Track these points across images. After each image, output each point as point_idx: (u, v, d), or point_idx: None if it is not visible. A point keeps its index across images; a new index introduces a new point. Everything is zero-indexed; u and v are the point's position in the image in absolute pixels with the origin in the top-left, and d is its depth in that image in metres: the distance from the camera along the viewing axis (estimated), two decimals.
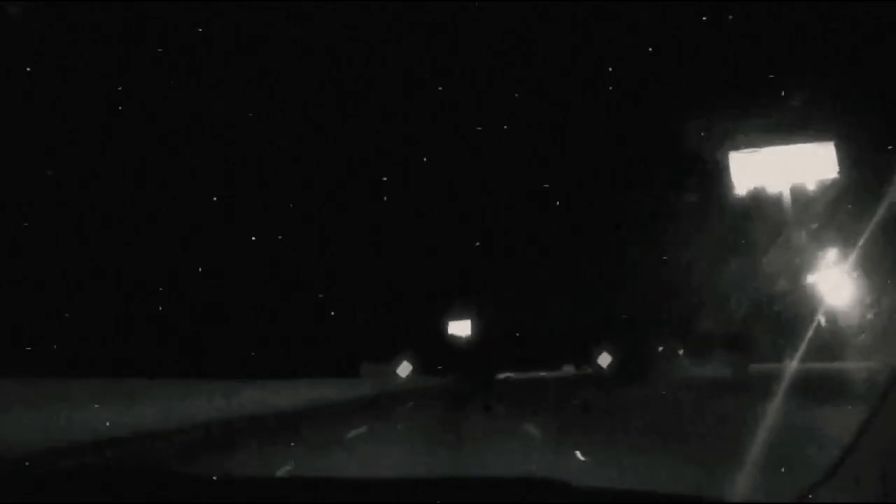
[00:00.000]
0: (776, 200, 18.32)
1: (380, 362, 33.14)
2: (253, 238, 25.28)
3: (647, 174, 25.35)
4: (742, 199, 18.54)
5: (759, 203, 18.40)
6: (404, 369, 30.12)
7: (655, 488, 2.63)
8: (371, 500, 2.31)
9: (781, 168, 18.17)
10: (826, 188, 18.01)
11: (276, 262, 26.63)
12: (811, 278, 17.57)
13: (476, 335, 49.69)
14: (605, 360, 30.23)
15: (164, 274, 19.51)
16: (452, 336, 50.01)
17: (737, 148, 18.40)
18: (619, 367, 29.95)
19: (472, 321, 49.86)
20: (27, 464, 6.84)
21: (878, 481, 1.72)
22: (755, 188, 18.48)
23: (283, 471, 6.56)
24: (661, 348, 36.00)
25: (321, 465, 7.27)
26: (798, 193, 18.20)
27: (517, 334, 56.61)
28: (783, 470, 4.04)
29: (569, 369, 67.30)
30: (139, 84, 17.71)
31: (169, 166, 20.25)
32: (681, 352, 35.87)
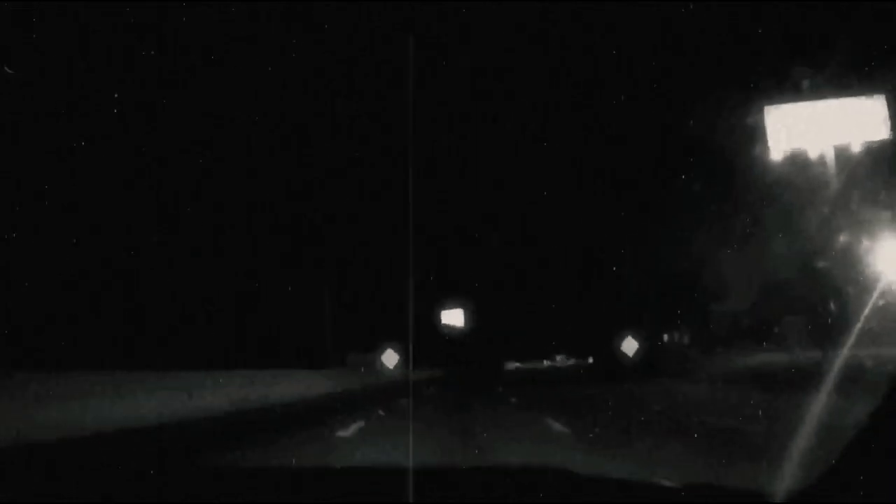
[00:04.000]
0: (817, 163, 15.92)
1: (367, 352, 30.91)
2: (230, 221, 22.98)
3: (661, 136, 22.81)
4: (778, 163, 16.12)
5: (798, 167, 15.99)
6: (390, 358, 27.17)
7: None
8: (379, 490, 2.19)
9: (824, 126, 15.74)
10: (876, 150, 15.63)
11: (255, 245, 24.27)
12: (858, 252, 15.38)
13: (471, 325, 47.63)
14: (629, 346, 26.75)
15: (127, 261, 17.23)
16: (446, 326, 47.94)
17: (773, 102, 15.97)
18: (646, 356, 27.04)
19: (465, 311, 47.84)
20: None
21: (883, 477, 1.51)
22: (793, 150, 16.04)
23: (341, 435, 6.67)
24: (665, 336, 33.80)
25: None
26: (843, 155, 15.80)
27: (512, 324, 54.87)
28: None
29: (561, 359, 65.50)
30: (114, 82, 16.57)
31: (153, 159, 18.51)
32: (686, 341, 33.71)
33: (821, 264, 16.50)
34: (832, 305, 16.41)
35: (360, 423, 9.87)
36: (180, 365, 12.17)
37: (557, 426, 8.68)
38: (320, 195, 29.04)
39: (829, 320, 15.24)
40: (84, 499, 2.35)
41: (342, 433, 8.72)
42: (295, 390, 16.44)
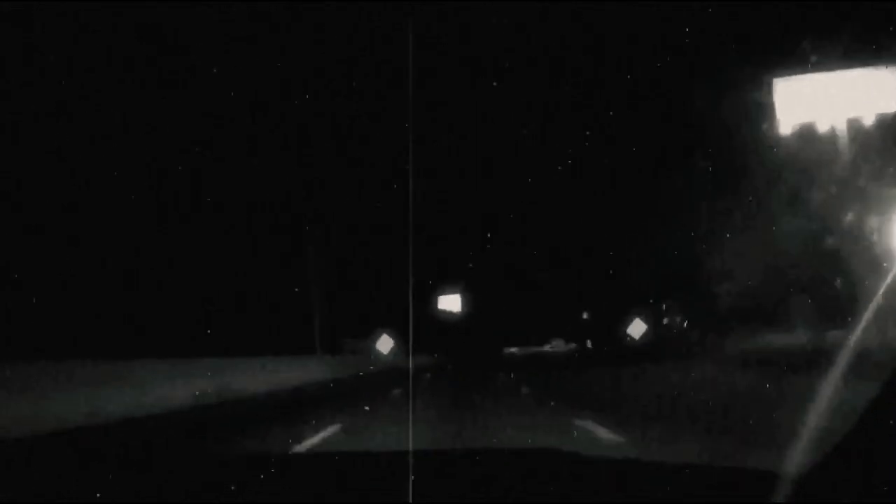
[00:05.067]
0: (829, 139, 15.25)
1: (362, 339, 30.43)
2: (215, 202, 22.28)
3: (664, 113, 22.03)
4: (787, 138, 15.45)
5: (808, 142, 15.32)
6: (385, 344, 26.51)
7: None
8: (386, 474, 2.17)
9: (836, 98, 15.04)
10: (890, 123, 14.96)
11: (244, 232, 23.56)
12: (870, 230, 14.79)
13: (468, 310, 47.17)
14: (637, 329, 25.76)
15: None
16: (443, 311, 47.48)
17: (781, 74, 15.25)
18: (653, 339, 26.33)
19: (462, 296, 47.37)
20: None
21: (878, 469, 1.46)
22: (803, 124, 15.35)
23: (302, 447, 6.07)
24: (665, 319, 33.25)
25: None
26: (856, 130, 15.12)
27: (510, 309, 54.50)
28: None
29: (558, 343, 64.97)
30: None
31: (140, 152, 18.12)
32: (686, 324, 33.17)
33: (830, 242, 15.93)
34: (842, 285, 15.87)
35: (335, 428, 7.60)
36: (150, 353, 11.39)
37: (597, 427, 6.63)
38: (313, 179, 28.34)
39: (839, 301, 14.70)
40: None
41: (302, 445, 6.45)
42: (272, 380, 14.73)
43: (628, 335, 25.36)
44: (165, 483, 2.37)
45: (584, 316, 56.58)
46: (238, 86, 21.79)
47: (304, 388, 15.49)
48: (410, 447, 5.09)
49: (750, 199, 18.02)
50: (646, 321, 26.13)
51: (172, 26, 17.68)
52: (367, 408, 10.30)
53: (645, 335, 25.40)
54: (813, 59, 15.19)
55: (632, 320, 25.58)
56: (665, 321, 33.44)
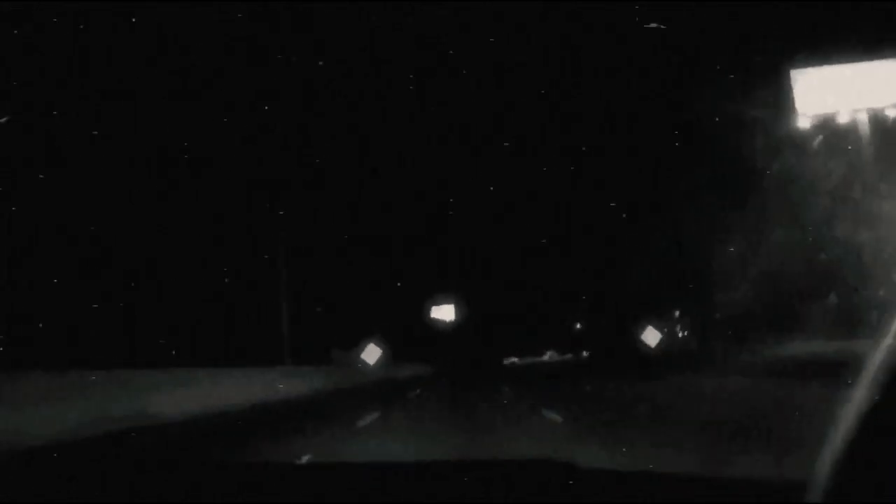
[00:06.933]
0: (850, 132, 14.33)
1: (351, 349, 29.25)
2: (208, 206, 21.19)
3: (673, 101, 20.90)
4: (806, 132, 14.51)
5: (828, 134, 14.39)
6: (372, 354, 25.05)
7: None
8: (385, 484, 2.14)
9: (857, 90, 14.14)
10: None
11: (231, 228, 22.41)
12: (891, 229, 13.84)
13: (463, 319, 46.17)
14: (651, 336, 24.22)
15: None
16: (436, 320, 46.47)
17: (800, 65, 14.34)
18: (666, 349, 25.13)
19: (456, 305, 46.39)
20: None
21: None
22: (823, 116, 14.43)
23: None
24: (665, 329, 32.29)
25: None
26: (879, 123, 14.22)
27: (506, 318, 53.64)
28: None
29: (552, 354, 64.30)
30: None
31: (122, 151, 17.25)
32: (687, 333, 32.23)
33: (843, 246, 15.01)
34: (862, 289, 14.92)
35: None
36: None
37: None
38: (300, 182, 27.25)
39: (862, 305, 13.75)
40: None
41: None
42: (211, 399, 11.85)
43: (643, 343, 23.99)
44: None
45: (578, 326, 55.80)
46: (220, 94, 20.84)
47: (254, 409, 12.74)
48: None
49: (757, 201, 17.06)
50: (659, 329, 24.95)
51: (171, 26, 16.95)
52: (314, 453, 6.31)
53: (661, 343, 24.12)
54: (831, 50, 14.37)
55: (644, 328, 24.21)
56: (665, 330, 32.48)
